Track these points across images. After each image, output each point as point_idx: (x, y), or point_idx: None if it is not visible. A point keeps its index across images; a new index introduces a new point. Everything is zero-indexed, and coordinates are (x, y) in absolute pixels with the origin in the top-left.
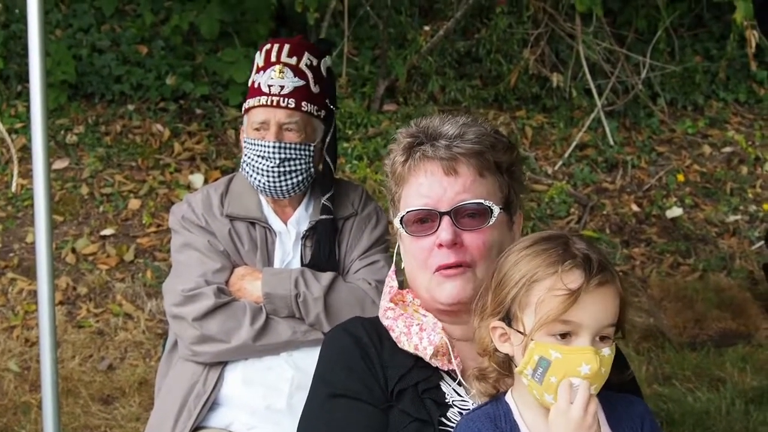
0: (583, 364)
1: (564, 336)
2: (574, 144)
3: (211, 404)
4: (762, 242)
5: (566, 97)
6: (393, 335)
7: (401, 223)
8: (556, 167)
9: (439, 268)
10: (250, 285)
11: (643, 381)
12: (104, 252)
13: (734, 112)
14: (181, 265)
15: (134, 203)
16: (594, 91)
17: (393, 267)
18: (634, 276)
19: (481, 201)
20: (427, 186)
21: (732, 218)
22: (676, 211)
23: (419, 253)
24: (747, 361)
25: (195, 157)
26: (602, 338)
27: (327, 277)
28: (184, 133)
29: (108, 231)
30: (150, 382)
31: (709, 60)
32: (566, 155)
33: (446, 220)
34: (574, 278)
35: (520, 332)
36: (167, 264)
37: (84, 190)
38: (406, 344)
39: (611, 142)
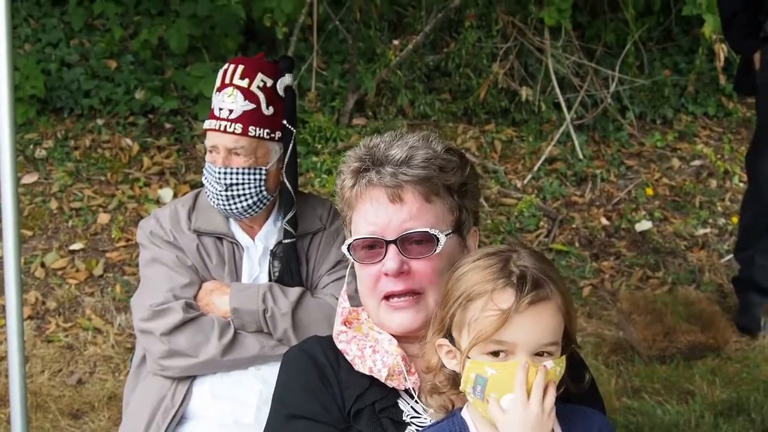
0: None
1: (498, 354)
2: (543, 158)
3: (179, 419)
4: (731, 255)
5: (535, 111)
6: (348, 358)
7: (349, 250)
8: (525, 181)
9: (387, 296)
10: (218, 300)
11: (612, 394)
12: (73, 266)
13: (703, 125)
14: (149, 280)
15: (103, 217)
16: (563, 104)
17: (345, 287)
18: (603, 289)
19: (427, 230)
20: (373, 213)
21: (701, 231)
22: (645, 225)
23: (368, 280)
24: (716, 374)
25: (164, 172)
26: (543, 354)
27: (295, 292)
28: (153, 148)
29: (77, 245)
30: (119, 396)
31: (678, 74)
32: (535, 169)
33: (392, 248)
34: (505, 298)
35: (459, 350)
36: (136, 278)
37: (53, 204)
38: (360, 367)
39: (580, 156)
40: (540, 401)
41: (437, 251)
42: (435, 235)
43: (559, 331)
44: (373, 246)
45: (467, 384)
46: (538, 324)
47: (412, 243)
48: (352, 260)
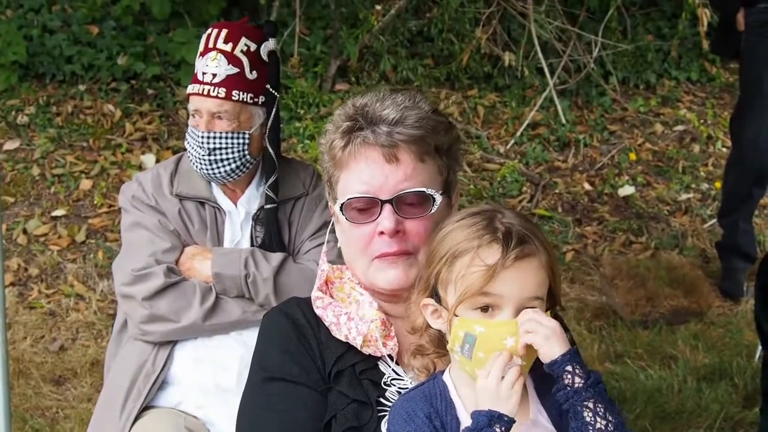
0: (507, 336)
1: (486, 310)
2: (526, 123)
3: (160, 383)
4: (714, 220)
5: (518, 76)
6: (325, 323)
7: (341, 210)
8: (508, 146)
9: (380, 256)
10: (200, 264)
11: (595, 359)
12: (56, 233)
13: (686, 90)
14: (130, 244)
15: (86, 184)
16: (546, 70)
17: (324, 249)
18: (587, 254)
19: (423, 190)
20: (368, 173)
21: (684, 196)
22: (628, 190)
23: (360, 240)
24: (699, 339)
25: (146, 138)
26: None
27: (277, 257)
28: (136, 114)
29: (59, 212)
30: (102, 362)
31: (661, 39)
32: (518, 134)
33: (388, 208)
34: (491, 253)
35: (446, 308)
36: (119, 245)
37: (35, 170)
38: (337, 333)
39: (563, 121)
40: (497, 378)
41: (432, 211)
42: (431, 195)
43: (543, 286)
44: (367, 206)
45: (455, 342)
46: (523, 278)
47: (407, 204)
48: (344, 219)
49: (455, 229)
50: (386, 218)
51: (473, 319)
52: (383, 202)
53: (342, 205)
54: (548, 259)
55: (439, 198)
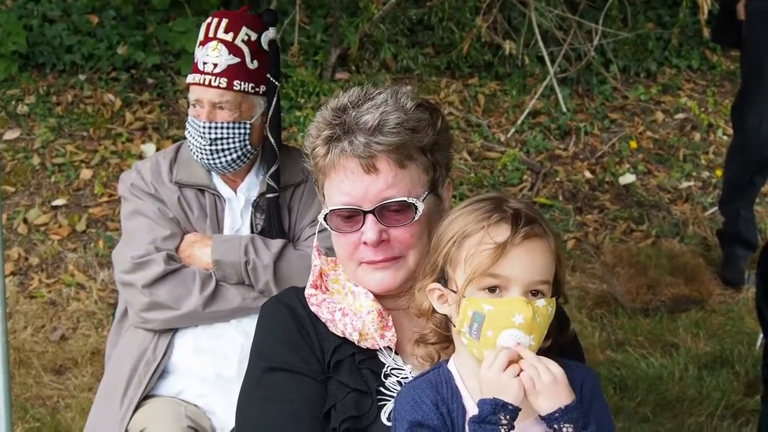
0: (516, 314)
1: (494, 290)
2: (526, 111)
3: (161, 372)
4: (715, 208)
5: (519, 65)
6: (321, 319)
7: (325, 220)
8: (509, 135)
9: (366, 263)
10: (199, 252)
11: (596, 347)
12: (56, 222)
13: (687, 78)
14: (130, 232)
15: (86, 173)
16: (546, 58)
17: (316, 242)
18: (587, 243)
19: (405, 199)
20: (349, 184)
21: (685, 184)
22: (629, 178)
23: (346, 247)
24: (700, 327)
25: (147, 127)
26: (535, 293)
27: (277, 244)
28: (136, 103)
29: (60, 201)
30: (102, 352)
31: (661, 27)
32: (519, 122)
33: (370, 218)
34: (500, 231)
35: (453, 291)
36: (119, 234)
37: (35, 160)
38: (333, 329)
39: (564, 110)
40: (499, 369)
41: (416, 218)
42: (413, 204)
43: (551, 270)
44: (351, 216)
45: (463, 323)
46: (532, 259)
47: (390, 211)
48: (330, 228)
49: (462, 214)
50: (370, 229)
51: (481, 299)
52: (366, 212)
53: (326, 215)
54: (555, 243)
55: (421, 205)
